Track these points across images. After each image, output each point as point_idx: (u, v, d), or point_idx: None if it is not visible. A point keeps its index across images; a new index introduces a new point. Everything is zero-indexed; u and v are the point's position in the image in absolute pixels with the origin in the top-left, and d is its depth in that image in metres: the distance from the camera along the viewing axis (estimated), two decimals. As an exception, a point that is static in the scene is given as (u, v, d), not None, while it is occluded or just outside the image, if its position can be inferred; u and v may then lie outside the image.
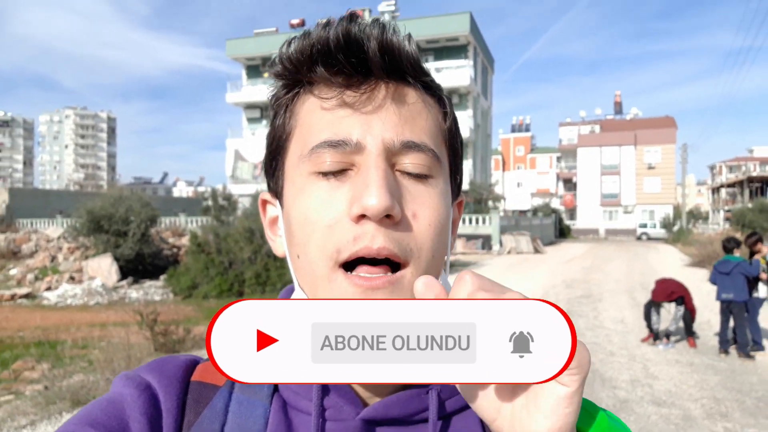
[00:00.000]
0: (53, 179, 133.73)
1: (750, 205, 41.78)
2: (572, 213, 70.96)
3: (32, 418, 5.51)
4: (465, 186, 36.33)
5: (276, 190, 0.62)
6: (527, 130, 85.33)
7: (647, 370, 7.15)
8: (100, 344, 9.23)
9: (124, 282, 17.11)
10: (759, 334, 7.98)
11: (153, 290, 16.31)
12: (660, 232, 52.62)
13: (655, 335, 8.55)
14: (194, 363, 0.63)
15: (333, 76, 0.55)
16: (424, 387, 0.59)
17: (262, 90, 41.10)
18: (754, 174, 58.04)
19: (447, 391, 0.61)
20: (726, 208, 61.20)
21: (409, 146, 0.55)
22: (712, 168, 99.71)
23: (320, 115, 0.56)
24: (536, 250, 30.84)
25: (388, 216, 0.52)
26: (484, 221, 31.48)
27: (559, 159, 78.91)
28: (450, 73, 37.01)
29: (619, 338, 8.97)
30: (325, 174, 0.55)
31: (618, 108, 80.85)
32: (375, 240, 0.52)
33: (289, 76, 0.59)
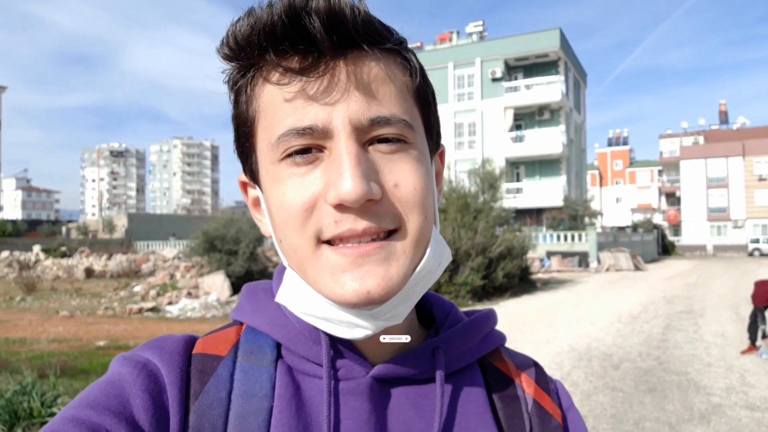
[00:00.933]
0: (163, 204, 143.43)
1: None
2: (676, 229, 67.71)
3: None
4: (559, 202, 35.94)
5: (252, 173, 0.62)
6: (625, 143, 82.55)
7: (744, 379, 7.20)
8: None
9: (235, 297, 18.49)
10: None
11: (261, 305, 17.59)
12: (775, 247, 49.38)
13: (755, 345, 8.51)
14: (193, 339, 0.63)
15: (285, 62, 0.54)
16: (430, 347, 0.63)
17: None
18: None
19: (450, 351, 0.64)
20: None
21: (379, 122, 0.54)
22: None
23: (282, 105, 0.55)
24: (636, 267, 30.00)
25: (368, 200, 0.52)
26: (580, 238, 31.02)
27: (660, 172, 75.66)
28: (541, 90, 36.94)
29: (718, 350, 8.95)
30: (296, 156, 0.54)
31: (724, 117, 76.65)
32: (358, 222, 0.52)
33: (240, 59, 0.57)
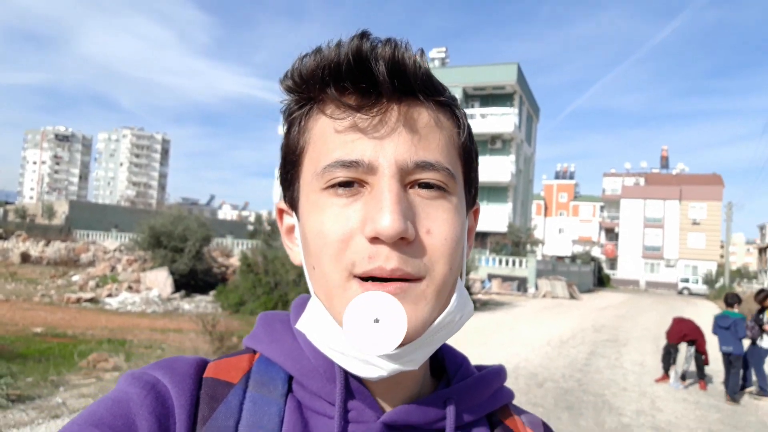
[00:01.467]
0: (106, 194, 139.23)
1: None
2: (613, 263, 70.32)
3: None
4: (504, 228, 37.00)
5: (292, 201, 0.64)
6: (571, 177, 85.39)
7: (654, 404, 7.84)
8: (161, 346, 10.35)
9: (177, 294, 18.38)
10: (765, 382, 8.56)
11: (203, 304, 17.50)
12: (702, 288, 51.97)
13: (668, 375, 9.22)
14: (204, 362, 0.63)
15: (344, 98, 0.56)
16: (442, 397, 0.63)
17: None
18: (804, 236, 56.77)
19: (464, 402, 0.64)
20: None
21: (423, 166, 0.56)
22: (761, 227, 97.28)
23: (332, 136, 0.57)
24: (572, 296, 31.12)
25: (402, 238, 0.53)
26: (521, 264, 32.03)
27: (602, 208, 78.57)
28: (495, 120, 38.23)
29: (634, 377, 9.62)
30: (338, 187, 0.56)
31: (664, 162, 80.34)
32: (389, 261, 0.53)
33: (301, 92, 0.59)
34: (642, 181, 73.83)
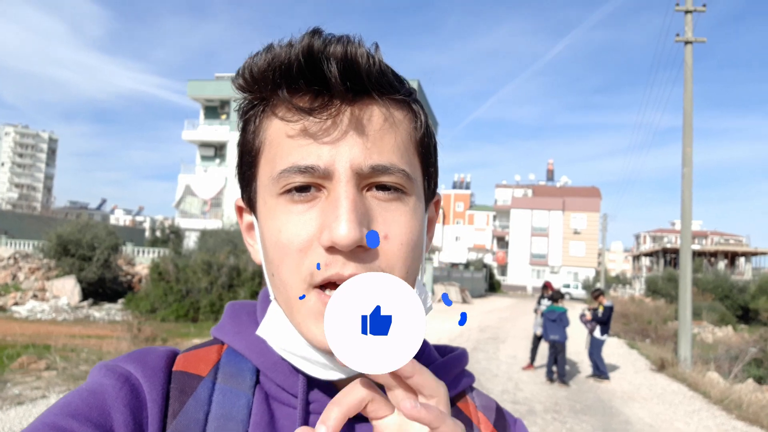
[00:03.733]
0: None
1: (660, 274, 45.94)
2: (504, 269, 74.91)
3: (69, 386, 7.55)
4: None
5: (249, 201, 0.63)
6: (467, 187, 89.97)
7: (517, 386, 9.75)
8: (84, 350, 11.10)
9: (85, 303, 18.70)
10: (603, 367, 10.73)
11: (113, 312, 17.99)
12: (581, 292, 56.69)
13: (533, 364, 11.25)
14: (174, 353, 0.64)
15: (296, 99, 0.55)
16: None
17: (218, 131, 43.33)
18: (668, 246, 63.40)
19: None
20: (647, 275, 66.31)
21: (378, 169, 0.55)
22: (637, 237, 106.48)
23: (286, 140, 0.56)
24: (464, 300, 33.60)
25: (359, 246, 0.52)
26: (417, 271, 34.12)
27: (494, 217, 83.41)
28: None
29: (506, 367, 11.58)
30: (295, 193, 0.55)
31: (550, 175, 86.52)
32: (346, 267, 0.53)
33: (252, 92, 0.58)
34: (530, 192, 79.20)
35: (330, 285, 0.54)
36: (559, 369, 10.34)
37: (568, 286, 59.91)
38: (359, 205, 0.54)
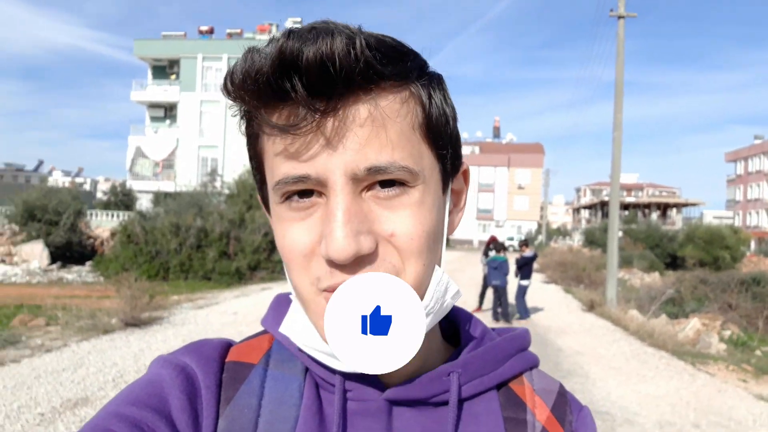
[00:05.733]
0: None
1: (597, 226, 48.73)
2: (451, 224, 77.30)
3: (83, 336, 8.66)
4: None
5: (264, 201, 0.63)
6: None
7: (468, 325, 11.34)
8: (75, 308, 11.99)
9: (54, 266, 19.37)
10: (525, 310, 12.54)
11: (84, 274, 18.77)
12: (524, 245, 59.49)
13: (480, 307, 12.93)
14: (228, 345, 0.67)
15: (274, 115, 0.53)
16: (446, 371, 0.62)
17: (168, 91, 43.07)
18: (606, 198, 66.91)
19: (467, 374, 0.63)
20: (585, 226, 69.86)
21: (374, 170, 0.52)
22: (577, 190, 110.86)
23: (275, 152, 0.54)
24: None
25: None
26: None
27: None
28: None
29: (458, 311, 13.18)
30: (294, 200, 0.55)
31: (497, 132, 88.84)
32: (353, 272, 0.52)
33: (236, 103, 0.56)
34: (477, 149, 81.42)
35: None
36: (502, 310, 11.98)
37: (512, 238, 62.66)
38: (355, 213, 0.52)
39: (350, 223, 0.51)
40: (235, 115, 0.59)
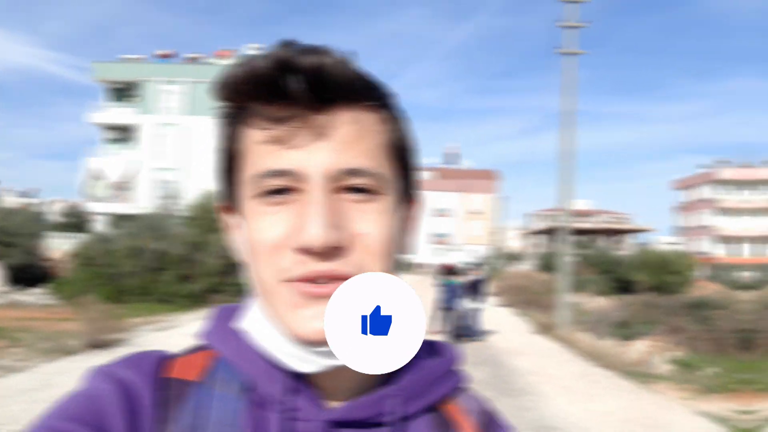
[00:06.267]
0: None
1: (551, 251, 49.83)
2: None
3: (42, 359, 8.76)
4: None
5: (232, 203, 0.64)
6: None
7: (427, 346, 11.81)
8: (35, 331, 11.93)
9: (8, 288, 19.05)
10: (477, 331, 13.24)
11: (41, 296, 18.52)
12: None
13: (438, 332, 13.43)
14: (166, 358, 0.65)
15: (267, 109, 0.56)
16: (385, 393, 0.62)
17: (127, 114, 42.77)
18: (557, 224, 68.81)
19: (403, 396, 0.63)
20: (539, 251, 71.41)
21: (350, 172, 0.56)
22: (529, 216, 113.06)
23: (260, 147, 0.57)
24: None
25: (332, 247, 0.54)
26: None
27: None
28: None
29: (416, 333, 13.65)
30: (270, 195, 0.57)
31: (454, 158, 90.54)
32: (320, 264, 0.54)
33: (227, 101, 0.60)
34: (434, 175, 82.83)
35: (307, 280, 0.55)
36: (460, 329, 12.58)
37: (466, 263, 63.56)
38: (331, 207, 0.55)
39: (327, 214, 0.54)
40: (220, 115, 0.63)
